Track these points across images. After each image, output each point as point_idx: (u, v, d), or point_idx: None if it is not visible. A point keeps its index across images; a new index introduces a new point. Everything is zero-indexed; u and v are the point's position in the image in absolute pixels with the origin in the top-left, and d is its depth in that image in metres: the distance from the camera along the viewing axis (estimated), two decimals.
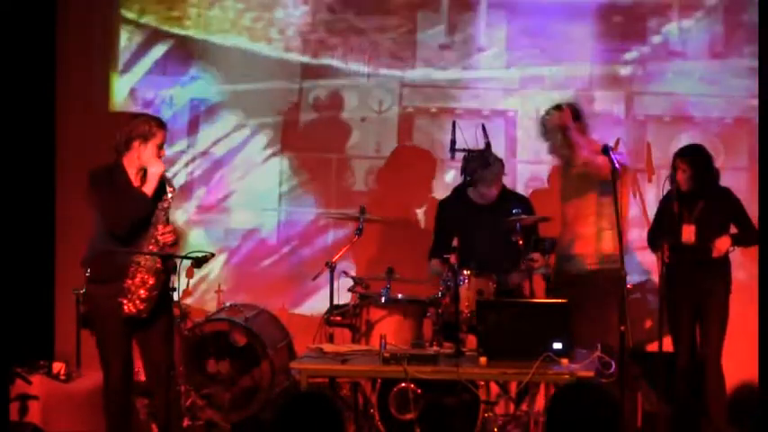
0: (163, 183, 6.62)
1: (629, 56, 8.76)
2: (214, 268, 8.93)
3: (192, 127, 9.00)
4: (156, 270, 6.50)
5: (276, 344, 8.14)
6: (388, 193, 8.82)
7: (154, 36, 9.06)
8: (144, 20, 9.07)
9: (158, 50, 9.07)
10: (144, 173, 6.61)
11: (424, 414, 7.14)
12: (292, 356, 8.06)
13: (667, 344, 7.74)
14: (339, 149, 8.98)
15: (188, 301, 8.38)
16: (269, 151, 9.03)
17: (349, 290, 7.71)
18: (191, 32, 9.03)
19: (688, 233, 7.68)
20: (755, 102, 8.53)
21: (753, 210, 8.03)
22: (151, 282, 6.50)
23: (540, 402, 7.49)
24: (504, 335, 6.47)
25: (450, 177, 8.72)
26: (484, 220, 7.75)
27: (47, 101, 8.91)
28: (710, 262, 7.66)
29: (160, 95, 9.05)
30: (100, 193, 6.57)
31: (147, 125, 6.64)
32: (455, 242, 7.17)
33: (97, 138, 8.92)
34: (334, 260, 7.75)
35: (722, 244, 7.64)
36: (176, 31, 9.05)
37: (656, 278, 8.03)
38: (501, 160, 7.89)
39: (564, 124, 7.82)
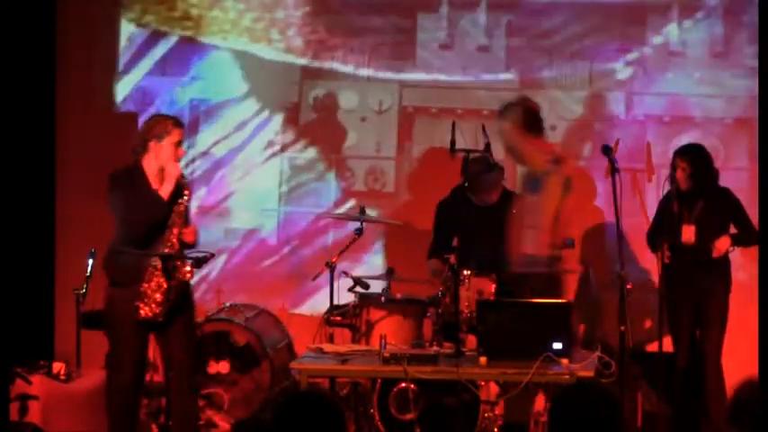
0: (180, 185, 6.58)
1: (629, 56, 8.76)
2: (214, 268, 8.93)
3: (193, 127, 8.99)
4: (171, 274, 6.46)
5: (276, 344, 8.15)
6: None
7: (154, 36, 9.06)
8: (144, 20, 9.07)
9: (159, 51, 9.07)
10: (164, 173, 6.59)
11: (424, 414, 7.15)
12: (292, 356, 8.06)
13: (667, 344, 7.74)
14: (339, 149, 8.98)
15: None
16: (269, 151, 9.03)
17: (349, 290, 7.71)
18: (191, 33, 9.03)
19: (688, 233, 7.68)
20: (755, 102, 8.53)
21: (753, 210, 8.03)
22: (166, 285, 6.46)
23: (540, 402, 7.49)
24: (504, 335, 6.47)
25: None
26: (483, 220, 7.75)
27: (47, 101, 8.91)
28: (710, 262, 7.66)
29: (160, 96, 9.05)
30: (117, 195, 6.54)
31: (162, 124, 6.61)
32: (455, 242, 7.18)
33: (97, 138, 8.95)
34: (334, 260, 7.75)
35: (722, 244, 7.64)
36: (177, 31, 9.05)
37: (655, 278, 8.03)
38: (502, 168, 7.86)
39: (509, 143, 7.43)
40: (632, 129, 8.77)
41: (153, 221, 6.49)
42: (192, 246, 6.67)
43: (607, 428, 4.20)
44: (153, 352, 6.85)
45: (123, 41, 9.08)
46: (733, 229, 7.74)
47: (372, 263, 8.56)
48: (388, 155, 8.96)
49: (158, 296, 6.44)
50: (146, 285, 6.42)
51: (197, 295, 8.77)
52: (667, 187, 7.80)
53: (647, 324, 8.53)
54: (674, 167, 7.76)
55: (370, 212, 8.18)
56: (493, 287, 7.50)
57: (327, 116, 8.99)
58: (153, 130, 6.60)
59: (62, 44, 8.97)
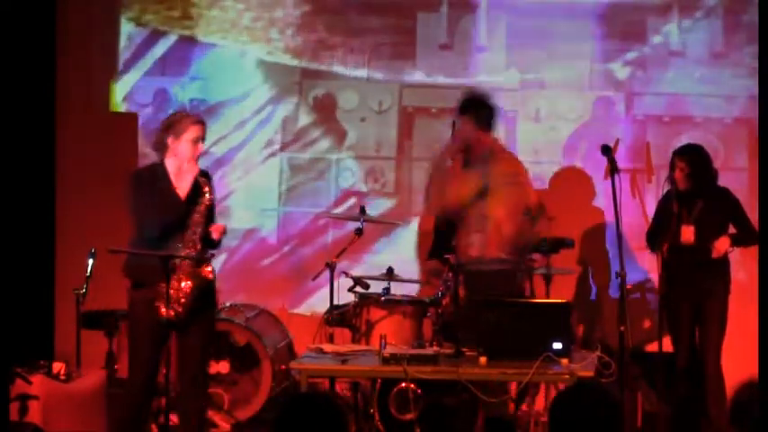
0: (198, 184, 6.46)
1: (629, 56, 8.76)
2: (214, 268, 8.90)
3: None
4: (193, 274, 6.41)
5: (276, 344, 8.15)
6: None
7: (154, 36, 9.06)
8: (144, 19, 9.07)
9: (158, 50, 9.07)
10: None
11: (424, 414, 7.14)
12: (292, 356, 8.06)
13: (667, 344, 7.74)
14: (339, 149, 8.98)
15: None
16: (269, 151, 9.03)
17: (349, 290, 7.71)
18: (190, 32, 9.03)
19: (687, 233, 7.68)
20: (755, 102, 8.53)
21: (753, 210, 8.03)
22: (188, 286, 6.42)
23: (540, 402, 7.49)
24: (504, 335, 6.46)
25: None
26: None
27: (47, 100, 8.91)
28: (710, 262, 7.66)
29: (160, 95, 9.05)
30: (134, 194, 6.45)
31: (179, 121, 6.49)
32: (454, 242, 7.17)
33: (97, 138, 8.95)
34: (334, 260, 7.75)
35: (721, 244, 7.63)
36: (176, 30, 9.05)
37: (655, 278, 8.03)
38: None
39: (465, 139, 7.31)
40: (632, 129, 8.77)
41: (168, 221, 6.39)
42: (218, 245, 6.61)
43: (607, 428, 4.20)
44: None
45: (123, 41, 9.08)
46: (732, 229, 7.74)
47: (372, 263, 8.55)
48: (388, 155, 8.96)
49: (179, 296, 6.37)
50: (165, 286, 6.32)
51: None
52: (667, 187, 7.80)
53: (647, 324, 8.53)
54: (672, 167, 7.75)
55: (370, 212, 8.17)
56: None
57: (327, 116, 8.99)
58: (170, 128, 6.48)
59: (62, 44, 8.97)
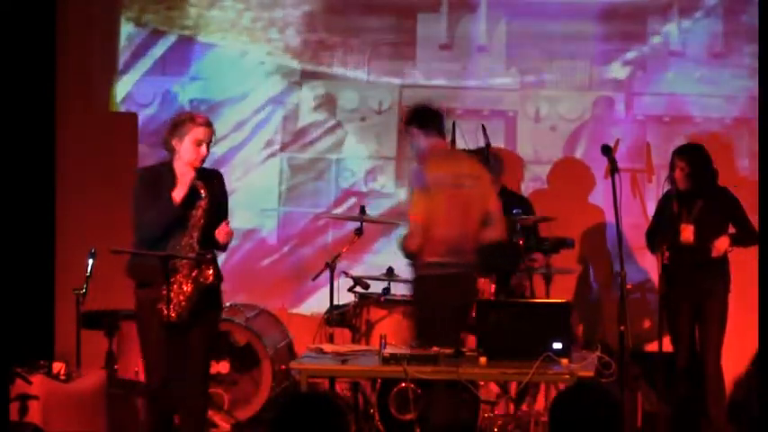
0: (195, 188, 6.37)
1: (629, 56, 8.76)
2: (219, 269, 8.90)
3: None
4: (193, 277, 6.39)
5: (276, 344, 8.15)
6: None
7: (154, 36, 9.06)
8: (143, 19, 9.07)
9: (158, 50, 9.07)
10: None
11: (424, 414, 7.14)
12: (292, 356, 8.06)
13: (667, 344, 7.74)
14: (338, 149, 8.98)
15: None
16: (269, 151, 9.03)
17: (349, 290, 7.71)
18: (190, 32, 9.03)
19: (687, 233, 7.68)
20: (755, 102, 8.54)
21: (753, 210, 8.03)
22: (189, 288, 6.38)
23: (540, 402, 7.49)
24: (503, 335, 6.46)
25: None
26: None
27: (46, 100, 8.91)
28: (710, 262, 7.66)
29: (160, 95, 9.05)
30: (135, 193, 6.42)
31: (182, 122, 6.40)
32: None
33: (97, 138, 8.95)
34: (334, 260, 7.75)
35: (721, 244, 7.64)
36: (176, 30, 9.05)
37: (655, 278, 8.03)
38: (501, 161, 7.87)
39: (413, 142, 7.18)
40: (632, 129, 8.77)
41: (161, 224, 6.34)
42: (225, 247, 6.58)
43: (607, 428, 4.19)
44: None
45: (122, 41, 9.08)
46: (732, 229, 7.74)
47: (372, 263, 8.55)
48: (388, 155, 8.96)
49: (180, 298, 6.33)
50: (167, 288, 6.28)
51: None
52: (667, 187, 7.80)
53: (647, 324, 8.53)
54: (672, 167, 7.76)
55: (370, 212, 8.17)
56: (493, 287, 7.51)
57: (327, 116, 8.99)
58: (174, 129, 6.40)
59: (62, 43, 8.97)
